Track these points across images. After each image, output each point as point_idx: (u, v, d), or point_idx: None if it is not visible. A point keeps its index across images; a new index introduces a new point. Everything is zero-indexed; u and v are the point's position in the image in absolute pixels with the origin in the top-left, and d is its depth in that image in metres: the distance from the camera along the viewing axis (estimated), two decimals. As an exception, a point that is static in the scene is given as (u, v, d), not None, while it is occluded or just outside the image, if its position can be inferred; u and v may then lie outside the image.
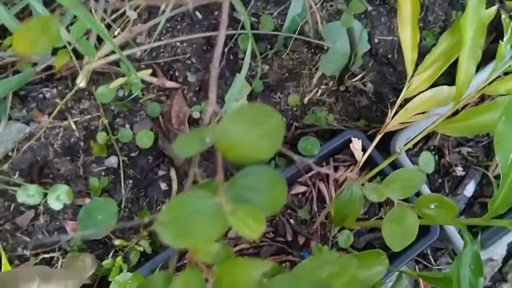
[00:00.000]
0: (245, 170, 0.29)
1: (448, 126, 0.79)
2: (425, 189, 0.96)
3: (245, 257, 0.93)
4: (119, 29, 1.09)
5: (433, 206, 0.46)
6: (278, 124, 0.27)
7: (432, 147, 1.08)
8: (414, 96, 0.81)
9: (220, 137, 0.27)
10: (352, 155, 0.99)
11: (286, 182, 1.09)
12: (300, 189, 0.99)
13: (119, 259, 0.85)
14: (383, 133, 0.82)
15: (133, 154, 1.05)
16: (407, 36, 0.78)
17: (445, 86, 0.82)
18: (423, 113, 0.81)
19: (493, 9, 0.78)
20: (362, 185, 0.47)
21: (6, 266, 0.69)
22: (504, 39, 0.76)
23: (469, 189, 1.08)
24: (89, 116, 1.06)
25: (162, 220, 0.26)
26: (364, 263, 0.39)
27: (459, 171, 1.09)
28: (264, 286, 0.27)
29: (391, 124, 0.80)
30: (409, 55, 0.76)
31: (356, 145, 0.87)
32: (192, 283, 0.29)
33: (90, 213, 0.86)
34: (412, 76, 0.78)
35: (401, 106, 0.82)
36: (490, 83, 0.78)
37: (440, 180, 1.08)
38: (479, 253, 0.78)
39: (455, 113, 0.81)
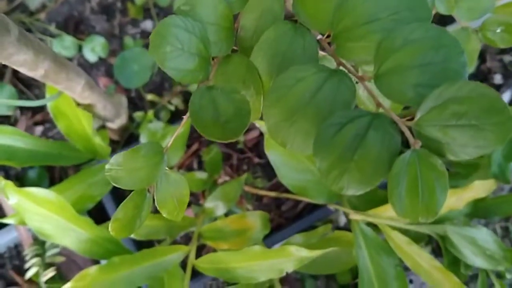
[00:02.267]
0: None
1: (504, 10, 0.76)
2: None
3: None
4: None
5: (498, 30, 0.44)
6: None
7: (474, 50, 1.05)
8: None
9: None
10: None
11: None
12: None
13: (150, 113, 0.86)
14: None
15: (169, 22, 1.03)
16: None
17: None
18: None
19: None
20: None
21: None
22: None
23: (505, 98, 1.06)
24: (128, -23, 1.03)
25: None
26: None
27: (497, 79, 1.06)
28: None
29: None
30: None
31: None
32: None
33: (126, 62, 0.86)
34: None
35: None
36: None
37: (476, 85, 1.06)
38: (514, 138, 0.78)
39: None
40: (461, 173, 0.83)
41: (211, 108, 0.26)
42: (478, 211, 0.75)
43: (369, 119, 0.23)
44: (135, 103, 0.98)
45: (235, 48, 0.29)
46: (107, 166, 0.30)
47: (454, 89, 0.22)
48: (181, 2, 0.29)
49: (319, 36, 0.27)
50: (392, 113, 0.23)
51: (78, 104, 0.60)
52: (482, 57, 1.06)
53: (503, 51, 1.07)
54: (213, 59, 0.28)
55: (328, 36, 0.27)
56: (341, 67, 0.26)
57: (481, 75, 1.06)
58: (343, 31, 0.25)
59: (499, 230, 1.11)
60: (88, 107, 0.61)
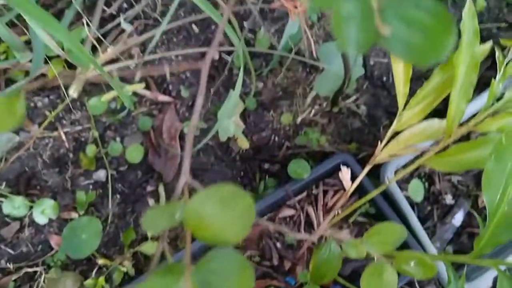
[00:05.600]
0: (212, 253, 0.28)
1: (437, 161, 0.79)
2: (413, 217, 0.96)
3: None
4: (115, 41, 1.08)
5: (412, 264, 0.45)
6: (249, 206, 0.27)
7: (422, 174, 1.08)
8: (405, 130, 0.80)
9: (190, 215, 0.27)
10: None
11: (274, 205, 1.05)
12: (288, 212, 0.99)
13: (101, 279, 0.84)
14: (372, 164, 0.81)
15: (122, 168, 1.04)
16: (400, 69, 0.77)
17: (436, 119, 0.81)
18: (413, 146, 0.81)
19: (488, 45, 0.78)
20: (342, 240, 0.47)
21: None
22: (497, 78, 0.76)
23: (458, 218, 1.08)
24: (79, 127, 1.05)
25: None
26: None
27: (448, 199, 1.09)
28: None
29: (380, 156, 0.80)
30: (401, 88, 0.75)
31: (345, 174, 0.86)
32: None
33: (74, 232, 0.86)
34: (404, 109, 0.77)
35: (392, 138, 0.82)
36: (481, 121, 0.77)
37: (429, 208, 1.08)
38: (462, 291, 0.78)
39: (446, 147, 0.81)
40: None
41: None
42: None
43: None
44: (88, 266, 0.95)
45: None
46: None
47: None
48: None
49: None
50: None
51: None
52: (431, 179, 1.08)
53: (451, 172, 1.10)
54: None
55: None
56: None
57: (432, 197, 1.09)
58: None
59: None
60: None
